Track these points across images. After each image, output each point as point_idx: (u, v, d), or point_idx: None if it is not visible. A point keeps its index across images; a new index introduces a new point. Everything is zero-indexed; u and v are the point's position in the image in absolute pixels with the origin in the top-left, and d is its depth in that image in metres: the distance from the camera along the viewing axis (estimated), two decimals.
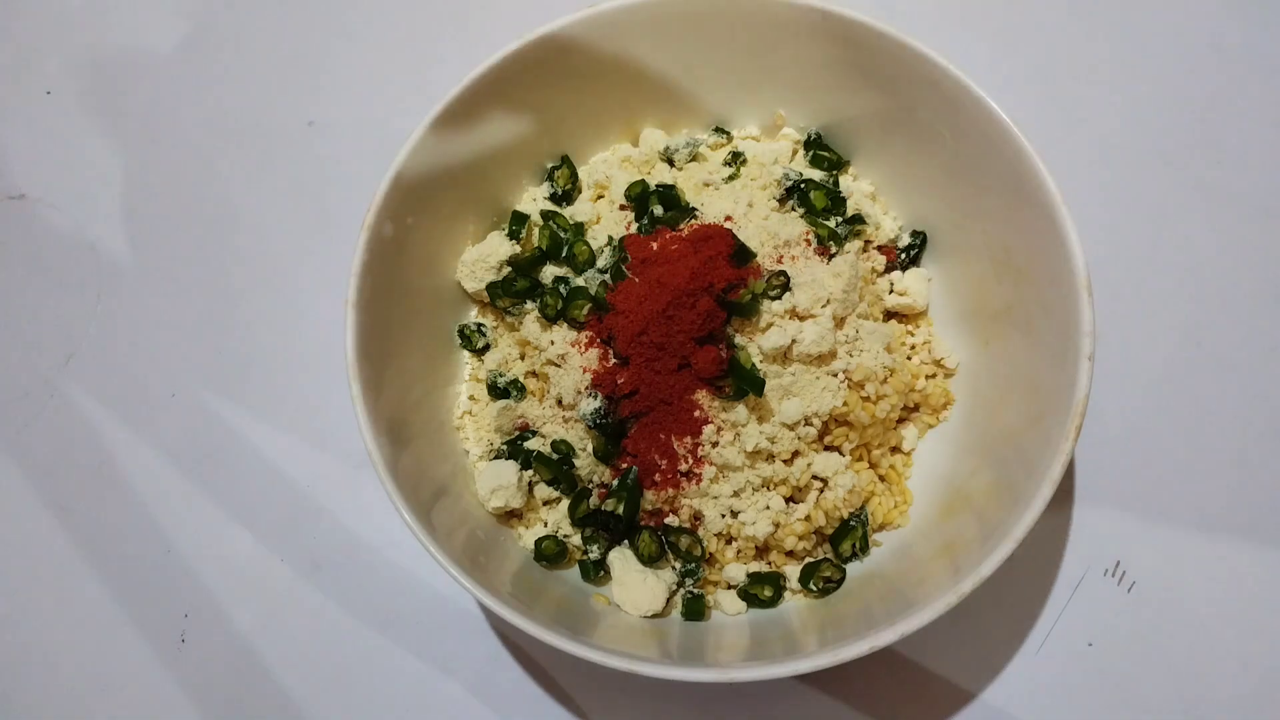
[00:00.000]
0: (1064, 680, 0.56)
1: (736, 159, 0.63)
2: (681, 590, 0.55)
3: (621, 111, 0.64)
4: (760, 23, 0.58)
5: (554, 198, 0.64)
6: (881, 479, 0.58)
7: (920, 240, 0.62)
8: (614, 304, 0.55)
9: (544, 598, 0.53)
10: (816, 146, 0.63)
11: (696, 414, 0.53)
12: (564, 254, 0.61)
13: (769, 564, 0.56)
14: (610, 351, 0.55)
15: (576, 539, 0.56)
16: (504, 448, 0.58)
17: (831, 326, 0.55)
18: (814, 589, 0.54)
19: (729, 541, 0.55)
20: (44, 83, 0.77)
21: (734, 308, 0.54)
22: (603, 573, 0.56)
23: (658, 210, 0.59)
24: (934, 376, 0.60)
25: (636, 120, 0.65)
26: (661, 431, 0.53)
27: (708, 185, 0.62)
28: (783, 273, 0.56)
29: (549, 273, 0.61)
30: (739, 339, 0.54)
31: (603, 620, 0.52)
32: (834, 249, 0.58)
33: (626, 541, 0.56)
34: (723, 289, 0.55)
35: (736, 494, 0.54)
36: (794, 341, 0.54)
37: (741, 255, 0.56)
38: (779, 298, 0.55)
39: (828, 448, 0.56)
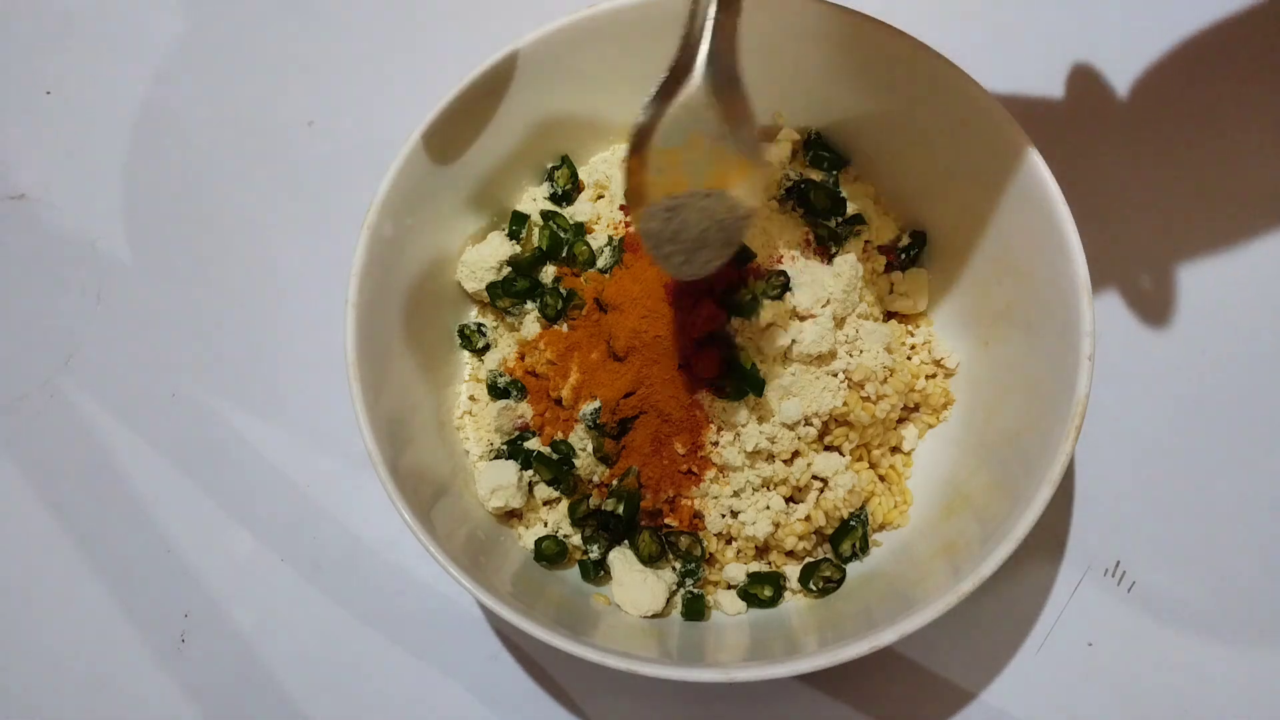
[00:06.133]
0: (1064, 680, 0.56)
1: None
2: (681, 590, 0.55)
3: (621, 111, 0.64)
4: (760, 22, 0.58)
5: (554, 198, 0.64)
6: (881, 479, 0.58)
7: (920, 240, 0.62)
8: (613, 303, 0.55)
9: (544, 598, 0.53)
10: (816, 146, 0.63)
11: (697, 414, 0.53)
12: (564, 254, 0.61)
13: (769, 564, 0.56)
14: (610, 351, 0.55)
15: (576, 539, 0.56)
16: (504, 448, 0.59)
17: (831, 326, 0.55)
18: (814, 589, 0.54)
19: (729, 541, 0.55)
20: (44, 83, 0.77)
21: (734, 308, 0.54)
22: (603, 573, 0.56)
23: None
24: (934, 376, 0.60)
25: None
26: (661, 431, 0.54)
27: None
28: (783, 273, 0.56)
29: (549, 273, 0.61)
30: (739, 339, 0.54)
31: (603, 620, 0.52)
32: (834, 249, 0.59)
33: (626, 541, 0.56)
34: (723, 289, 0.55)
35: (736, 494, 0.54)
36: (794, 341, 0.54)
37: (741, 255, 0.56)
38: (779, 298, 0.55)
39: (828, 448, 0.56)
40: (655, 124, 0.43)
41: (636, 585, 0.53)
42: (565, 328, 0.59)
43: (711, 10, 0.42)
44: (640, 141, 0.44)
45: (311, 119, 0.74)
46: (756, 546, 0.55)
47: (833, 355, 0.55)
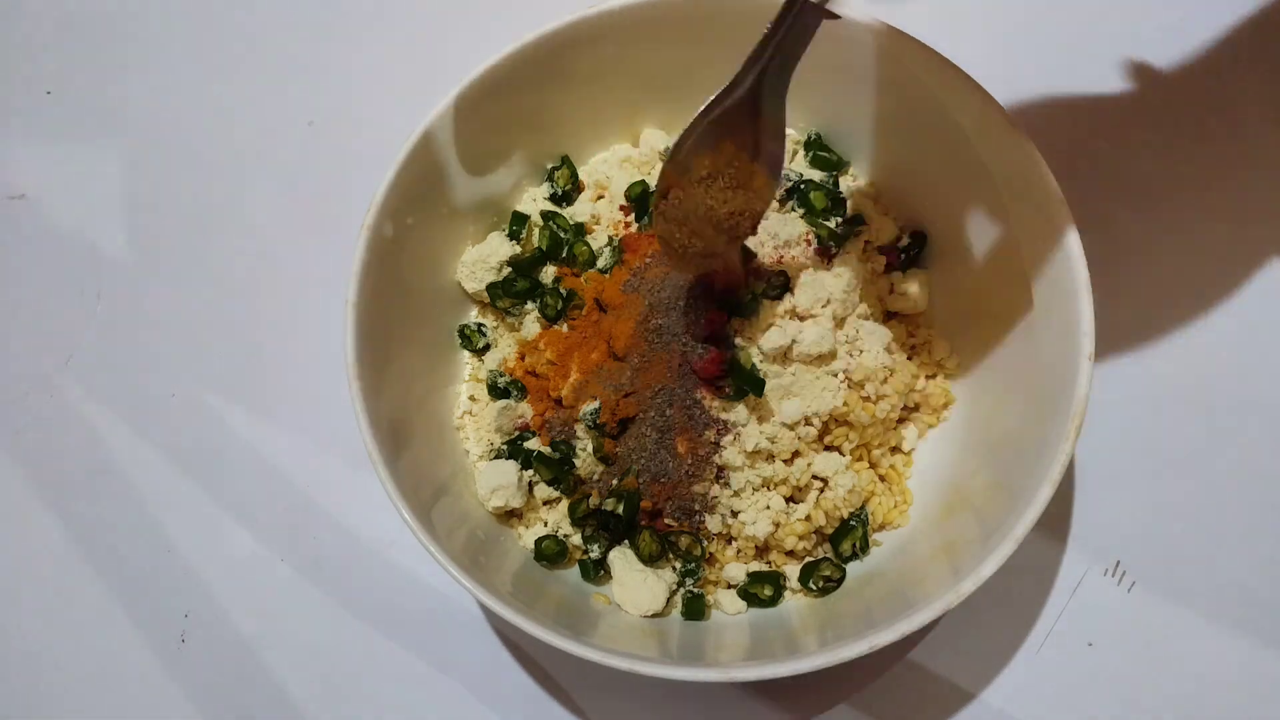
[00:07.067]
0: (1064, 680, 0.56)
1: None
2: (681, 590, 0.55)
3: (621, 111, 0.64)
4: (760, 23, 0.58)
5: (554, 198, 0.64)
6: (881, 479, 0.58)
7: (920, 241, 0.62)
8: (613, 303, 0.55)
9: (544, 597, 0.53)
10: (816, 147, 0.63)
11: (697, 414, 0.53)
12: (564, 254, 0.61)
13: (769, 564, 0.56)
14: (610, 351, 0.55)
15: (576, 539, 0.56)
16: (504, 448, 0.59)
17: (831, 326, 0.55)
18: (814, 588, 0.54)
19: (729, 541, 0.55)
20: (44, 83, 0.77)
21: (734, 308, 0.54)
22: (603, 572, 0.56)
23: None
24: (934, 376, 0.60)
25: (636, 120, 0.65)
26: (662, 431, 0.53)
27: None
28: (783, 273, 0.56)
29: (549, 273, 0.61)
30: (739, 339, 0.54)
31: (603, 620, 0.52)
32: (834, 249, 0.59)
33: (626, 541, 0.56)
34: (722, 289, 0.55)
35: (736, 494, 0.54)
36: (794, 341, 0.54)
37: (742, 255, 0.56)
38: (779, 298, 0.55)
39: (828, 448, 0.56)
40: (697, 128, 0.46)
41: (636, 585, 0.53)
42: (565, 328, 0.59)
43: (779, 35, 0.44)
44: (680, 143, 0.46)
45: (311, 119, 0.74)
46: (756, 546, 0.55)
47: (833, 355, 0.55)
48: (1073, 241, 0.49)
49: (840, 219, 0.60)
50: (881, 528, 0.57)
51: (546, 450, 0.57)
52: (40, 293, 0.71)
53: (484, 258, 0.60)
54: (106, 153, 0.74)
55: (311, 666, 0.59)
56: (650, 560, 0.54)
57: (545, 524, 0.57)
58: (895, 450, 0.59)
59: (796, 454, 0.55)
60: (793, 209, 0.61)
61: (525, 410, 0.59)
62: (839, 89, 0.60)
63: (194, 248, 0.71)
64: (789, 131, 0.64)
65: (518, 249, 0.61)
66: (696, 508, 0.54)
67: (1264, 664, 0.56)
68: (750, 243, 0.57)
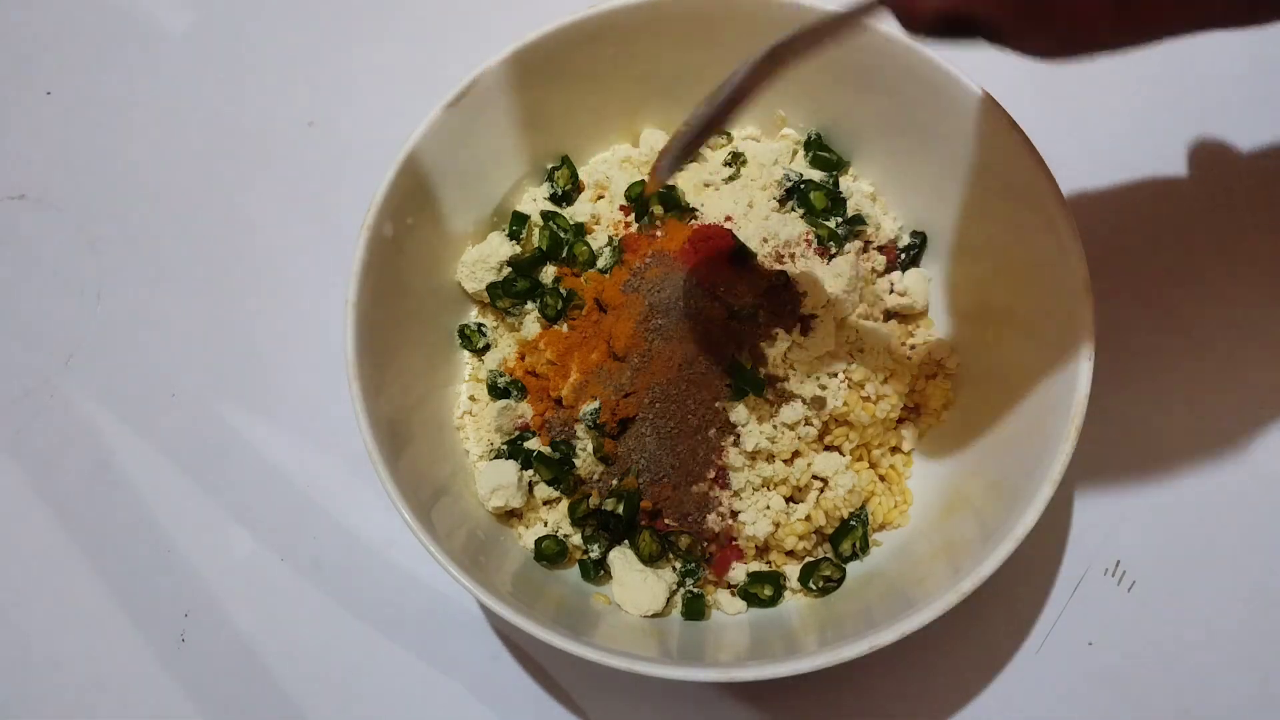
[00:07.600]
0: (1064, 680, 0.56)
1: (736, 159, 0.63)
2: (681, 590, 0.55)
3: (621, 111, 0.64)
4: (760, 23, 0.58)
5: (554, 198, 0.64)
6: (881, 479, 0.58)
7: (920, 240, 0.62)
8: (613, 303, 0.55)
9: (544, 597, 0.53)
10: (816, 147, 0.63)
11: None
12: (564, 254, 0.61)
13: (769, 564, 0.56)
14: (610, 351, 0.55)
15: (576, 539, 0.56)
16: (504, 448, 0.59)
17: (831, 327, 0.55)
18: (814, 588, 0.54)
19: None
20: (44, 83, 0.77)
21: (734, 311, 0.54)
22: (602, 572, 0.56)
23: (658, 210, 0.60)
24: (934, 377, 0.60)
25: (636, 120, 0.65)
26: (662, 431, 0.53)
27: (708, 185, 0.62)
28: (783, 273, 0.56)
29: (549, 273, 0.61)
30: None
31: (603, 620, 0.52)
32: (834, 249, 0.59)
33: (626, 541, 0.56)
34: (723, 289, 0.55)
35: (736, 494, 0.54)
36: (794, 342, 0.54)
37: (741, 255, 0.56)
38: (778, 300, 0.55)
39: (828, 448, 0.56)
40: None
41: (636, 585, 0.53)
42: (565, 328, 0.59)
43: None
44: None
45: (311, 119, 0.74)
46: (756, 546, 0.55)
47: (833, 355, 0.55)
48: (1073, 241, 0.49)
49: (840, 219, 0.60)
50: (881, 528, 0.57)
51: (546, 450, 0.57)
52: (40, 293, 0.71)
53: (484, 258, 0.60)
54: (106, 153, 0.74)
55: (311, 666, 0.59)
56: (650, 560, 0.54)
57: (545, 524, 0.57)
58: (895, 450, 0.59)
59: (796, 454, 0.55)
60: (793, 209, 0.61)
61: (525, 410, 0.59)
62: (839, 89, 0.60)
63: (194, 248, 0.71)
64: (788, 131, 0.64)
65: (518, 249, 0.61)
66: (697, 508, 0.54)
67: (1264, 663, 0.56)
68: (751, 242, 0.57)
